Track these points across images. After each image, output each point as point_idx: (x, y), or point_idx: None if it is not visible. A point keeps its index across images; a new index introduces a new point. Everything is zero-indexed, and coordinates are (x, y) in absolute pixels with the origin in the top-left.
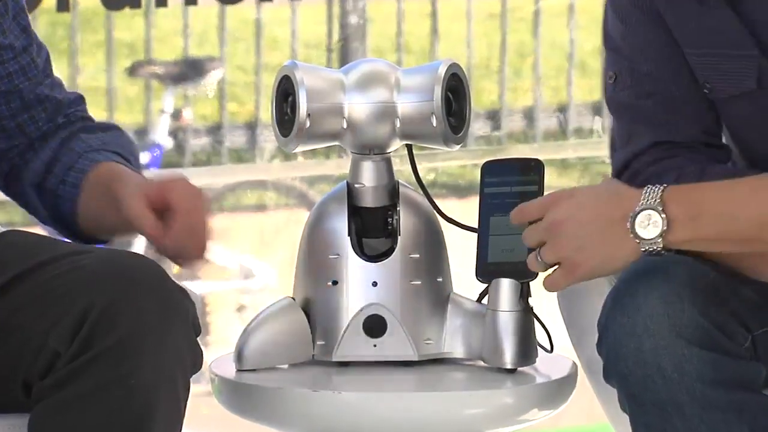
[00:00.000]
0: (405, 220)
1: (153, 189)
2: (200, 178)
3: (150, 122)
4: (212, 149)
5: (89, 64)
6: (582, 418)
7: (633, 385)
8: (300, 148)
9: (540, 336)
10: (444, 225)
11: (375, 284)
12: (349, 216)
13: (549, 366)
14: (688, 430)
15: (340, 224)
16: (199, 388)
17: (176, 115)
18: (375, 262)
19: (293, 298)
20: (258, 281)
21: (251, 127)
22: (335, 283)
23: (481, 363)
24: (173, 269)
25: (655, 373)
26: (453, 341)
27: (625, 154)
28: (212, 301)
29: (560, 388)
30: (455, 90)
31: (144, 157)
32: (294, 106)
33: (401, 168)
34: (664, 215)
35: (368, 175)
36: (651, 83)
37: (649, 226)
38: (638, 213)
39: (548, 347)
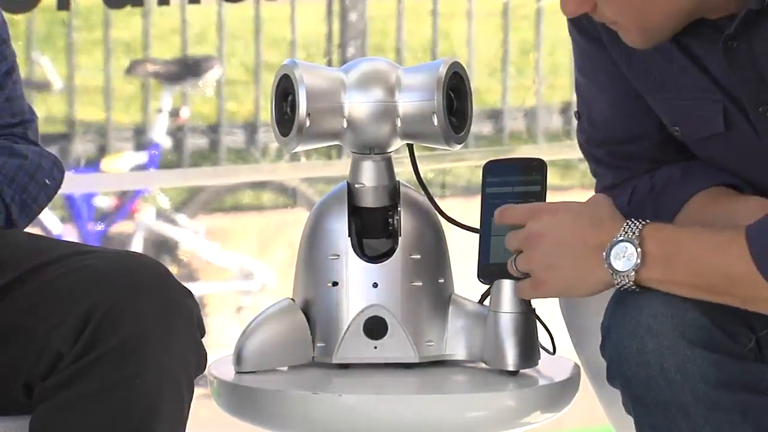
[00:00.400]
0: (406, 221)
1: None
2: (198, 178)
3: (148, 121)
4: (211, 149)
5: (87, 63)
6: (582, 420)
7: (636, 387)
8: (300, 148)
9: (542, 338)
10: (445, 225)
11: (375, 285)
12: (349, 216)
13: (551, 368)
14: (693, 431)
15: (340, 225)
16: (197, 390)
17: (174, 114)
18: (375, 262)
19: (293, 300)
20: (257, 282)
21: (250, 126)
22: (335, 284)
23: (483, 365)
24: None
25: (658, 374)
26: (454, 343)
27: (597, 187)
28: (211, 302)
29: (563, 391)
30: (457, 89)
31: (142, 157)
32: (294, 106)
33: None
34: (639, 250)
35: (369, 175)
36: (604, 131)
37: (624, 258)
38: (615, 244)
39: (551, 349)
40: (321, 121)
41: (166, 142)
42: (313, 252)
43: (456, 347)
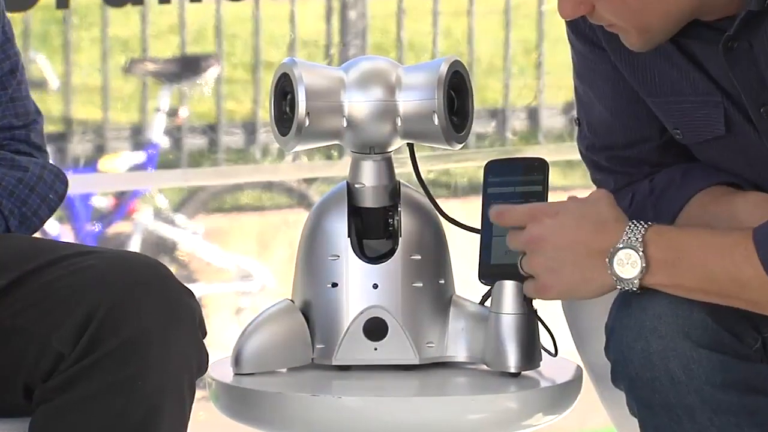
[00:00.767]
0: (406, 221)
1: None
2: (197, 178)
3: (146, 121)
4: (209, 148)
5: (84, 61)
6: (583, 421)
7: (641, 388)
8: (299, 148)
9: (544, 339)
10: (446, 226)
11: (375, 286)
12: (349, 217)
13: (553, 370)
14: None
15: (339, 225)
16: (196, 393)
17: (173, 113)
18: (375, 263)
19: (292, 301)
20: (256, 283)
21: (250, 126)
22: (335, 285)
23: (484, 367)
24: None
25: (663, 375)
26: (455, 344)
27: None
28: (209, 304)
29: (565, 393)
30: (457, 88)
31: (140, 157)
32: (293, 105)
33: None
34: (643, 256)
35: (369, 175)
36: (605, 137)
37: (628, 265)
38: (618, 251)
39: (553, 351)
40: (320, 121)
41: (165, 142)
42: (312, 253)
43: (457, 349)
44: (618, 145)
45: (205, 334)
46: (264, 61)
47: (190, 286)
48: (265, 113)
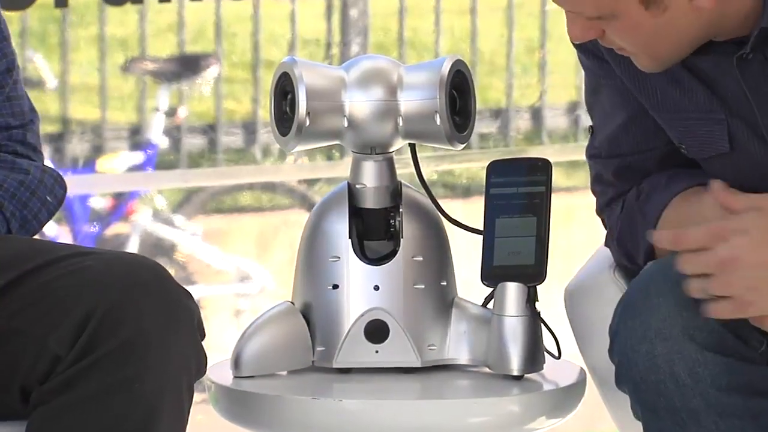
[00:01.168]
0: (408, 222)
1: None
2: (196, 178)
3: (144, 121)
4: (209, 148)
5: (82, 61)
6: (586, 424)
7: (645, 391)
8: (299, 148)
9: (547, 342)
10: (448, 227)
11: (377, 288)
12: (350, 217)
13: (557, 373)
14: None
15: (340, 226)
16: (195, 396)
17: (171, 113)
18: (377, 265)
19: (292, 303)
20: (256, 285)
21: (249, 125)
22: (335, 286)
23: (487, 370)
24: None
25: (668, 378)
26: (457, 347)
27: (598, 205)
28: (208, 305)
29: (568, 396)
30: (460, 87)
31: (138, 157)
32: (293, 104)
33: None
34: None
35: (370, 176)
36: (613, 146)
37: None
38: None
39: (556, 353)
40: (321, 121)
41: (163, 142)
42: (313, 254)
43: (459, 351)
44: (623, 153)
45: (204, 336)
46: (264, 60)
47: (188, 287)
48: (265, 113)
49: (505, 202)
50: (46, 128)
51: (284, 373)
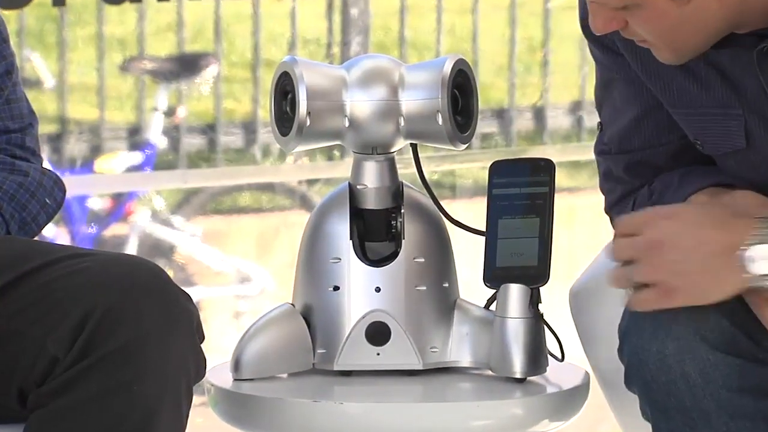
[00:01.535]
0: (409, 223)
1: None
2: (195, 179)
3: (143, 120)
4: (208, 149)
5: (79, 60)
6: (589, 427)
7: (656, 392)
8: (300, 148)
9: (551, 344)
10: (450, 228)
11: (378, 290)
12: (350, 218)
13: (560, 375)
14: None
15: (341, 227)
16: (194, 398)
17: (170, 113)
18: (378, 266)
19: (293, 305)
20: (256, 286)
21: (249, 125)
22: (336, 288)
23: (489, 372)
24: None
25: (678, 378)
26: (459, 349)
27: (607, 203)
28: (208, 307)
29: (572, 399)
30: (462, 87)
31: (137, 157)
32: (293, 104)
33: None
34: None
35: (371, 176)
36: (623, 141)
37: (764, 261)
38: (752, 246)
39: (559, 356)
40: (322, 121)
41: (162, 142)
42: (313, 255)
43: (461, 354)
44: (634, 148)
45: (203, 338)
46: (264, 60)
47: (188, 289)
48: (265, 113)
49: (507, 203)
50: (43, 128)
51: (284, 375)
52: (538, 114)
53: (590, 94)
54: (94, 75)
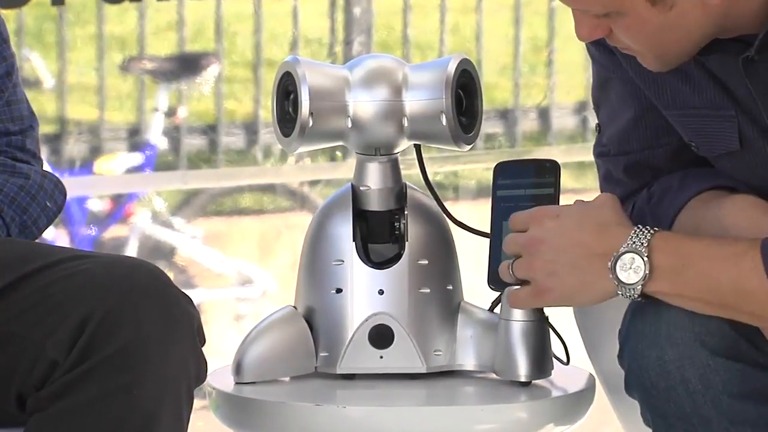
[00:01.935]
0: (413, 225)
1: None
2: (196, 180)
3: (143, 121)
4: (209, 149)
5: (79, 60)
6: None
7: (656, 398)
8: (302, 149)
9: (556, 347)
10: (454, 230)
11: (381, 292)
12: (353, 220)
13: (565, 379)
14: None
15: (344, 229)
16: (195, 402)
17: (171, 113)
18: (381, 268)
19: (295, 307)
20: (257, 289)
21: (250, 126)
22: (339, 291)
23: (494, 376)
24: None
25: (678, 384)
26: (464, 353)
27: None
28: (209, 310)
29: (577, 402)
30: (466, 87)
31: (137, 158)
32: (296, 105)
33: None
34: (647, 261)
35: (374, 177)
36: (621, 143)
37: (630, 270)
38: (622, 254)
39: (564, 359)
40: (324, 121)
41: (162, 143)
42: (316, 257)
43: (465, 357)
44: (633, 150)
45: (204, 342)
46: (266, 60)
47: (188, 292)
48: (267, 113)
49: (512, 205)
50: (42, 129)
51: (287, 379)
52: (543, 114)
53: None
54: (93, 75)
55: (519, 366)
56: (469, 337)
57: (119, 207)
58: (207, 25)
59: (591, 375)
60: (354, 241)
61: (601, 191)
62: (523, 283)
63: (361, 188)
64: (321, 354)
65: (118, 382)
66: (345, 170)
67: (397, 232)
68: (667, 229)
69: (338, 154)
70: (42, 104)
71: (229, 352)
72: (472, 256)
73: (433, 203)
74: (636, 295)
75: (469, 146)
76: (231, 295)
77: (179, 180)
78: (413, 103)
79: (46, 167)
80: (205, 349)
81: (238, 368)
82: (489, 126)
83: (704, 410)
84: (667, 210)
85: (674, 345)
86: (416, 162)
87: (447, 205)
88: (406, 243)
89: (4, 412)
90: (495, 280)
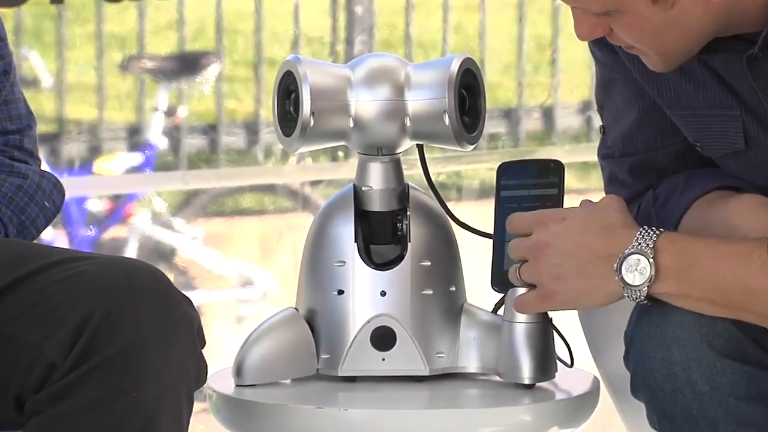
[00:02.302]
0: (415, 226)
1: None
2: (196, 180)
3: (143, 120)
4: (209, 149)
5: (78, 59)
6: None
7: (662, 400)
8: (303, 149)
9: (560, 349)
10: (457, 231)
11: (383, 294)
12: (355, 221)
13: (569, 381)
14: None
15: (346, 230)
16: (195, 405)
17: (171, 113)
18: (383, 270)
19: (296, 309)
20: (258, 290)
21: (251, 126)
22: (341, 292)
23: (497, 378)
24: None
25: (685, 386)
26: (467, 355)
27: None
28: (209, 312)
29: (581, 405)
30: (469, 86)
31: (136, 158)
32: (297, 104)
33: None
34: (653, 263)
35: (376, 178)
36: (626, 144)
37: (636, 272)
38: (627, 256)
39: (568, 361)
40: (326, 121)
41: (162, 143)
42: (317, 258)
43: (468, 359)
44: (638, 151)
45: (204, 344)
46: (267, 59)
47: (189, 293)
48: (268, 113)
49: (515, 205)
50: (41, 128)
51: (288, 381)
52: (547, 114)
53: None
54: (93, 74)
55: (522, 368)
56: (472, 339)
57: (119, 207)
58: (207, 23)
59: (595, 377)
60: (356, 242)
61: (606, 193)
62: (530, 286)
63: (363, 189)
64: (322, 356)
65: (118, 384)
66: (347, 170)
67: (399, 233)
68: (672, 230)
69: (340, 154)
70: (41, 103)
71: (229, 354)
72: (475, 257)
73: (436, 204)
74: (642, 297)
75: (472, 146)
76: (231, 296)
77: (179, 180)
78: (416, 102)
79: (45, 167)
80: (205, 351)
81: (238, 370)
82: (492, 126)
83: (711, 412)
84: (672, 211)
85: (681, 346)
86: (419, 162)
87: (450, 205)
88: (409, 244)
89: (1, 416)
90: (498, 282)
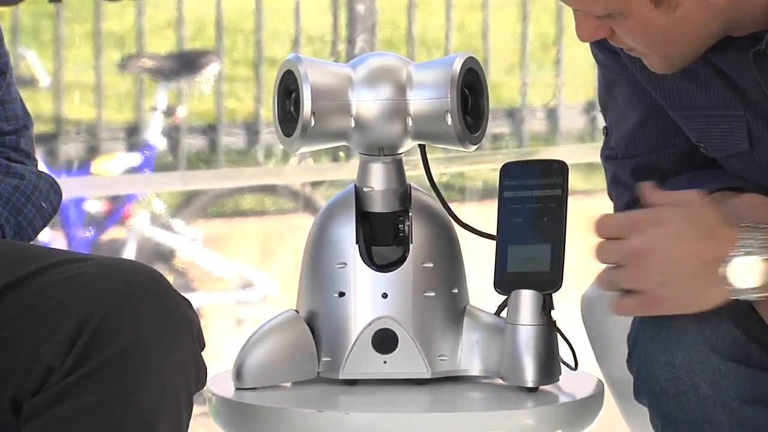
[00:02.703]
0: (417, 227)
1: None
2: (196, 181)
3: (142, 120)
4: (209, 150)
5: (76, 58)
6: None
7: (665, 404)
8: (304, 149)
9: (563, 352)
10: (460, 232)
11: (385, 296)
12: (356, 222)
13: (573, 384)
14: None
15: (347, 231)
16: (194, 408)
17: (170, 112)
18: (385, 271)
19: (297, 311)
20: (258, 292)
21: (251, 126)
22: (342, 294)
23: (500, 381)
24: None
25: (688, 390)
26: (469, 357)
27: (615, 209)
28: (209, 314)
29: (585, 408)
30: (472, 86)
31: (135, 158)
32: (297, 104)
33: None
34: (765, 262)
35: (378, 178)
36: (629, 145)
37: (746, 274)
38: (733, 258)
39: (572, 364)
40: (327, 121)
41: (161, 143)
42: (318, 260)
43: (471, 362)
44: (641, 152)
45: (203, 346)
46: (267, 58)
47: (188, 295)
48: (268, 112)
49: (519, 206)
50: (38, 128)
51: (288, 384)
52: (551, 114)
53: None
54: (91, 73)
55: (526, 371)
56: (475, 342)
57: (117, 208)
58: (207, 22)
59: (599, 380)
60: (357, 243)
61: (609, 195)
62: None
63: (364, 189)
64: (323, 359)
65: (117, 386)
66: (348, 171)
67: (401, 234)
68: None
69: (341, 154)
70: (38, 103)
71: (229, 357)
72: (478, 259)
73: (438, 205)
74: (756, 298)
75: (475, 146)
76: (231, 298)
77: (179, 181)
78: (418, 102)
79: (42, 167)
80: (204, 354)
81: (238, 373)
82: (495, 126)
83: (715, 416)
84: None
85: (684, 350)
86: (421, 162)
87: (452, 206)
88: (411, 245)
89: None
90: (501, 283)
